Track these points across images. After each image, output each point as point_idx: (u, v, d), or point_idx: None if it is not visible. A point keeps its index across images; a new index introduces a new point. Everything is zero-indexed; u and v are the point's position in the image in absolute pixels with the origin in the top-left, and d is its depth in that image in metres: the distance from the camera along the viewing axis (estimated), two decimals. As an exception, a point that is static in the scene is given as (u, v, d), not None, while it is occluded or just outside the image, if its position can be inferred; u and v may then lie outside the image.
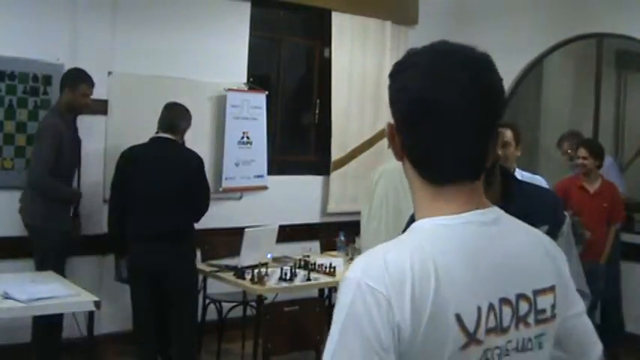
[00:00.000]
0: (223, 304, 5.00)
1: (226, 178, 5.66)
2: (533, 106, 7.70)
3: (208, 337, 5.02)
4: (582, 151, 5.14)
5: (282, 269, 4.50)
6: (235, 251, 4.60)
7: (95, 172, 4.91)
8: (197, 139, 5.04)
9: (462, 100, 1.09)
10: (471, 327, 1.04)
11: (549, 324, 1.16)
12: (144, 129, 4.46)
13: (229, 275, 4.56)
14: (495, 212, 1.16)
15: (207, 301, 5.02)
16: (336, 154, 6.20)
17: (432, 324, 1.02)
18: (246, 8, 5.79)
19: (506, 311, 1.09)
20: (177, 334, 4.31)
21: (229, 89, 5.64)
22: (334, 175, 6.25)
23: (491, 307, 1.07)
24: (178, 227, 4.21)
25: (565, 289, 1.20)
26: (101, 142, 5.06)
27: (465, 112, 1.09)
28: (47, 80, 4.88)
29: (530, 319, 1.13)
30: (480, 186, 1.16)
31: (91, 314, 3.68)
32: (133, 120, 5.04)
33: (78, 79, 4.50)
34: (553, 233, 2.06)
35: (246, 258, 4.52)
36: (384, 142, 6.49)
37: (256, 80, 5.91)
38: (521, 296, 1.12)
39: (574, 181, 5.16)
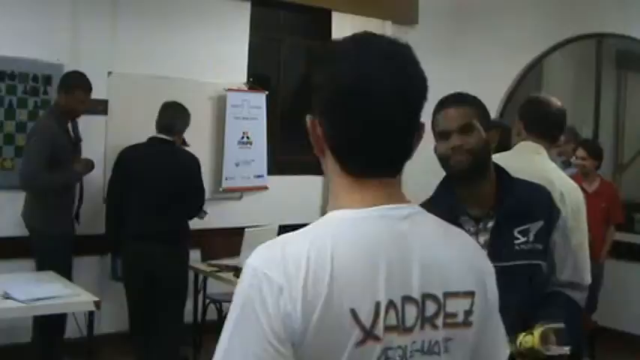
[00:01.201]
0: (223, 304, 5.00)
1: (226, 178, 5.67)
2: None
3: (208, 337, 5.01)
4: (581, 152, 5.14)
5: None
6: (235, 251, 4.60)
7: (95, 172, 4.90)
8: (197, 139, 5.04)
9: (390, 90, 1.07)
10: (367, 323, 1.01)
11: (461, 330, 1.11)
12: (144, 129, 4.46)
13: (229, 275, 4.56)
14: (410, 209, 1.12)
15: (207, 301, 5.02)
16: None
17: (324, 317, 0.99)
18: (246, 8, 5.80)
19: (410, 310, 1.06)
20: (161, 335, 4.27)
21: (229, 89, 5.64)
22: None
23: (391, 304, 1.04)
24: (172, 229, 4.20)
25: (485, 302, 1.15)
26: (101, 142, 5.07)
27: (393, 102, 1.08)
28: (47, 80, 4.88)
29: (438, 322, 1.08)
30: (399, 181, 1.14)
31: (91, 314, 3.68)
32: (133, 120, 5.04)
33: (74, 84, 4.42)
34: (548, 228, 2.09)
35: (246, 258, 4.47)
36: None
37: (256, 80, 5.91)
38: (428, 296, 1.07)
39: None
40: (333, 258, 1.02)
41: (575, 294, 2.18)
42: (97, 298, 3.64)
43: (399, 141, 1.12)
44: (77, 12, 4.97)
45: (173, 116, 4.37)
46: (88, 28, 4.98)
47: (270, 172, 5.95)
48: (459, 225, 2.04)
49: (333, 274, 1.01)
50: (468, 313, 1.11)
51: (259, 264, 1.04)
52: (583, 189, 5.02)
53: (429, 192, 2.21)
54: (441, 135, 2.06)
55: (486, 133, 2.04)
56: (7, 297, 3.45)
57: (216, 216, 5.43)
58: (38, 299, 3.47)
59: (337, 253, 1.02)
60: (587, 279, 2.28)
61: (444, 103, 2.08)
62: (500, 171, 2.14)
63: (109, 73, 5.05)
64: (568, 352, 1.94)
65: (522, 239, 2.05)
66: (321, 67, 1.12)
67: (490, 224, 2.06)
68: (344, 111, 1.09)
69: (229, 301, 3.81)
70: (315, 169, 7.18)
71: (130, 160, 4.29)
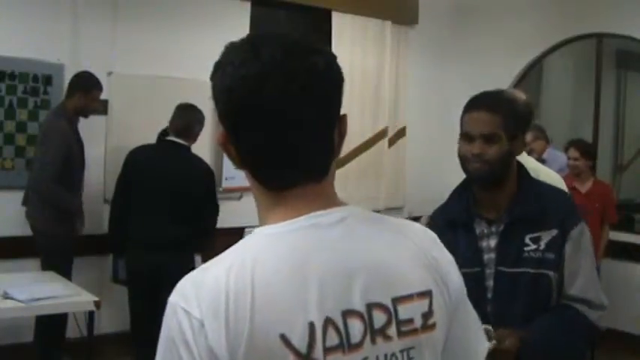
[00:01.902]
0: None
1: (226, 178, 5.67)
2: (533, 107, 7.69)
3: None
4: (574, 152, 5.14)
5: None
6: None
7: (95, 172, 4.91)
8: (197, 139, 5.04)
9: (290, 90, 0.96)
10: (301, 347, 0.91)
11: (422, 335, 1.00)
12: (144, 129, 4.46)
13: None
14: (344, 211, 1.02)
15: (207, 301, 5.02)
16: (336, 154, 6.20)
17: (251, 348, 0.90)
18: (246, 8, 5.79)
19: (354, 324, 0.95)
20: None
21: (229, 89, 5.63)
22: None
23: (329, 322, 0.93)
24: (177, 237, 4.08)
25: (448, 296, 1.05)
26: (101, 143, 5.07)
27: (296, 103, 0.96)
28: (47, 80, 4.88)
29: (391, 331, 0.98)
30: (329, 184, 1.04)
31: (91, 314, 3.68)
32: (133, 120, 5.04)
33: (91, 84, 4.48)
34: (563, 238, 1.99)
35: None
36: (384, 142, 6.50)
37: (256, 80, 5.91)
38: (374, 306, 0.97)
39: (566, 182, 5.16)
40: (254, 280, 0.92)
41: (589, 312, 2.00)
42: (97, 298, 3.64)
43: (313, 143, 1.00)
44: (77, 12, 4.97)
45: (192, 119, 4.24)
46: (88, 28, 4.98)
47: (270, 172, 5.95)
48: (473, 226, 2.05)
49: (254, 298, 0.91)
50: (427, 315, 1.01)
51: (177, 299, 0.95)
52: (576, 189, 5.05)
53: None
54: (464, 136, 2.01)
55: (512, 142, 1.98)
56: (7, 297, 3.45)
57: (216, 216, 5.44)
58: (38, 299, 3.47)
59: (258, 273, 0.93)
60: (603, 299, 2.06)
61: (475, 104, 2.02)
62: (523, 173, 2.08)
63: (109, 73, 5.05)
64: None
65: (532, 247, 1.98)
66: (215, 79, 1.03)
67: (501, 228, 2.02)
68: (244, 126, 0.99)
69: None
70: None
71: (139, 161, 4.19)
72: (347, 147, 6.28)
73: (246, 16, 5.81)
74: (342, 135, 1.04)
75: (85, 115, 4.55)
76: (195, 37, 5.47)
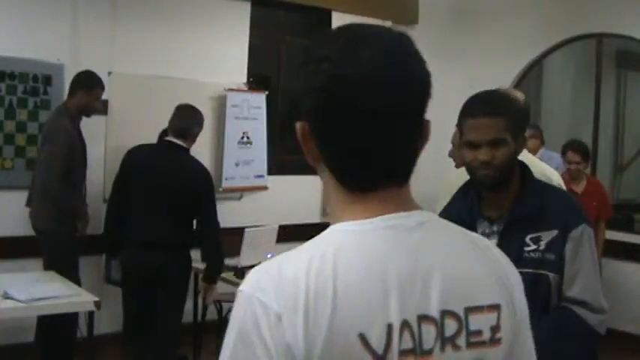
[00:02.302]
0: (223, 303, 4.99)
1: (226, 178, 5.67)
2: (533, 107, 7.68)
3: (208, 337, 5.02)
4: (575, 157, 5.13)
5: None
6: (235, 251, 4.60)
7: (95, 172, 4.91)
8: (197, 139, 5.04)
9: (389, 90, 0.95)
10: (379, 348, 0.89)
11: (489, 349, 0.98)
12: (144, 129, 4.47)
13: (229, 275, 4.56)
14: (423, 216, 1.00)
15: (208, 301, 5.02)
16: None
17: (329, 345, 0.88)
18: (246, 8, 5.80)
19: (428, 330, 0.93)
20: (158, 339, 4.20)
21: (229, 89, 5.64)
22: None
23: (405, 325, 0.92)
24: (175, 238, 4.03)
25: (513, 315, 1.03)
26: (101, 143, 5.07)
27: (393, 104, 0.95)
28: (47, 80, 4.88)
29: (460, 341, 0.95)
30: (408, 189, 1.02)
31: (91, 314, 3.68)
32: (133, 120, 5.04)
33: (93, 83, 4.47)
34: (563, 238, 1.97)
35: (246, 258, 4.52)
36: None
37: (256, 80, 5.92)
38: (447, 313, 0.95)
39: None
40: (336, 277, 0.90)
41: (588, 315, 1.97)
42: (97, 298, 3.64)
43: (402, 147, 0.99)
44: (77, 12, 4.97)
45: (191, 120, 4.21)
46: (88, 28, 4.98)
47: (270, 172, 5.95)
48: (475, 226, 2.04)
49: (336, 295, 0.89)
50: (495, 329, 0.99)
51: (253, 289, 0.92)
52: (573, 191, 5.05)
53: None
54: (469, 145, 1.98)
55: (516, 142, 1.98)
56: (7, 297, 3.45)
57: (216, 216, 5.44)
58: (38, 299, 3.47)
59: (340, 270, 0.91)
60: (603, 303, 2.02)
61: (474, 110, 1.99)
62: (526, 173, 2.07)
63: (109, 73, 5.05)
64: None
65: (532, 247, 1.97)
66: (306, 71, 0.99)
67: (501, 227, 2.02)
68: (332, 121, 0.96)
69: (229, 301, 3.83)
70: (315, 170, 7.22)
71: (136, 161, 4.16)
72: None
73: (246, 16, 5.81)
74: (424, 140, 1.02)
75: (88, 114, 4.54)
76: (195, 37, 5.48)
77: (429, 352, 0.93)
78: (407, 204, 1.00)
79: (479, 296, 0.98)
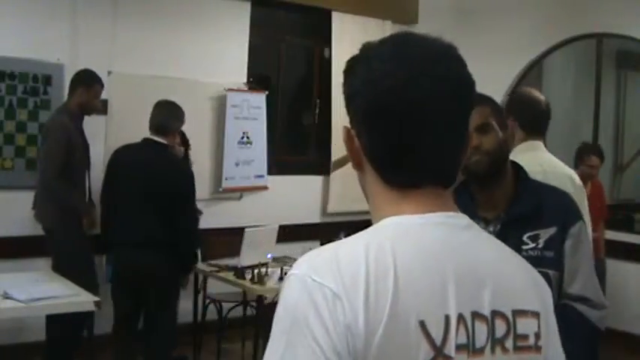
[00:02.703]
0: (223, 304, 4.99)
1: (226, 178, 5.67)
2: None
3: (208, 337, 5.02)
4: (596, 160, 5.12)
5: (282, 269, 4.50)
6: (235, 251, 4.60)
7: (95, 172, 4.90)
8: (197, 139, 5.05)
9: (435, 94, 0.96)
10: (437, 338, 0.88)
11: (532, 355, 0.97)
12: (144, 129, 4.44)
13: (229, 275, 4.56)
14: (467, 218, 1.01)
15: (207, 301, 5.02)
16: (336, 154, 6.21)
17: (390, 330, 0.85)
18: (246, 8, 5.80)
19: (480, 328, 0.92)
20: (154, 339, 4.18)
21: (229, 89, 5.64)
22: (334, 175, 6.25)
23: (461, 318, 0.90)
24: (161, 239, 3.97)
25: (548, 326, 1.02)
26: (101, 143, 5.06)
27: (439, 107, 0.96)
28: (47, 80, 4.88)
29: (509, 344, 0.94)
30: (450, 193, 1.03)
31: (91, 314, 3.67)
32: (132, 120, 5.02)
33: (92, 79, 4.48)
34: (562, 235, 1.98)
35: (246, 258, 4.52)
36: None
37: (256, 80, 5.91)
38: (497, 314, 0.94)
39: None
40: (396, 263, 0.88)
41: (589, 311, 1.98)
42: (97, 298, 3.63)
43: (450, 150, 1.00)
44: (77, 12, 4.97)
45: (166, 116, 4.17)
46: (88, 28, 4.98)
47: (270, 172, 5.95)
48: None
49: (397, 280, 0.87)
50: (538, 336, 0.98)
51: (308, 271, 0.88)
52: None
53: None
54: None
55: (503, 132, 2.00)
56: (7, 297, 3.44)
57: (215, 216, 5.43)
58: (38, 299, 3.46)
59: (399, 257, 0.89)
60: (603, 299, 2.04)
61: None
62: (519, 172, 2.07)
63: (109, 73, 5.04)
64: None
65: (531, 245, 1.96)
66: (355, 71, 1.00)
67: (498, 228, 2.00)
68: (383, 120, 0.97)
69: (229, 301, 3.85)
70: (315, 169, 7.20)
71: (118, 161, 4.18)
72: (347, 147, 6.28)
73: (246, 16, 5.81)
74: (467, 149, 1.03)
75: (88, 112, 4.54)
76: (195, 37, 5.47)
77: (481, 350, 0.92)
78: (451, 205, 1.01)
79: (524, 301, 0.98)
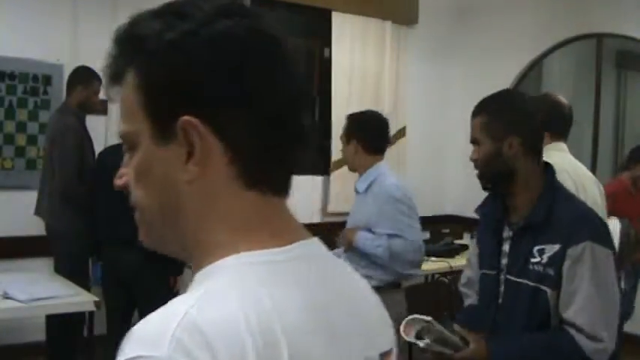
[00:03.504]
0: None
1: (226, 178, 5.67)
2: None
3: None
4: None
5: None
6: (235, 251, 4.58)
7: (95, 172, 4.91)
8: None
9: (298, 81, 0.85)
10: None
11: None
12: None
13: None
14: (321, 243, 0.84)
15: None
16: (336, 154, 6.20)
17: None
18: (246, 8, 5.80)
19: None
20: None
21: (229, 89, 5.63)
22: (334, 175, 6.25)
23: None
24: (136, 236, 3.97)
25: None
26: (101, 143, 5.05)
27: (295, 99, 0.83)
28: (47, 80, 4.88)
29: None
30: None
31: (91, 314, 3.67)
32: (132, 120, 5.03)
33: (91, 76, 4.41)
34: (561, 255, 1.88)
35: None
36: (384, 142, 6.50)
37: (256, 80, 5.91)
38: None
39: (624, 184, 5.02)
40: (283, 323, 0.70)
41: (583, 340, 1.84)
42: (97, 298, 3.63)
43: (300, 145, 0.84)
44: (77, 12, 4.97)
45: None
46: (88, 28, 4.98)
47: (270, 172, 5.95)
48: (500, 228, 2.04)
49: (290, 347, 0.69)
50: None
51: (168, 354, 0.63)
52: (631, 193, 4.98)
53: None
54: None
55: (498, 143, 1.96)
56: (7, 297, 3.44)
57: (216, 216, 5.43)
58: (38, 299, 3.46)
59: (284, 315, 0.70)
60: (604, 333, 1.85)
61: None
62: (548, 180, 2.00)
63: (109, 73, 5.04)
64: (420, 345, 1.87)
65: (537, 259, 1.90)
66: (192, 47, 0.75)
67: (512, 233, 2.01)
68: (231, 106, 0.76)
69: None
70: (315, 169, 7.19)
71: (103, 162, 4.18)
72: (347, 147, 6.28)
73: (246, 16, 5.81)
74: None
75: (88, 111, 4.51)
76: (195, 37, 5.47)
77: None
78: (298, 223, 0.84)
79: (384, 338, 0.87)
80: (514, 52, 6.39)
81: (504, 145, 1.97)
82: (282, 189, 0.82)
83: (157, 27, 0.77)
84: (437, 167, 7.05)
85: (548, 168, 2.03)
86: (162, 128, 0.76)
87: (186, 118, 0.74)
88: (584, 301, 1.85)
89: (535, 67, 6.67)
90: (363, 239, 3.39)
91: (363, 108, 6.52)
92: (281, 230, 0.79)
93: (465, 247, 5.15)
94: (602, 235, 1.91)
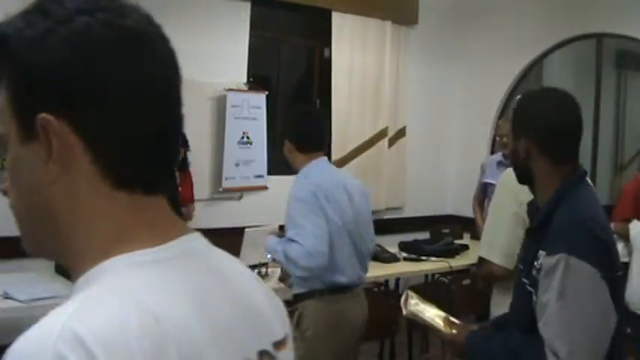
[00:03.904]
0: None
1: (226, 178, 5.67)
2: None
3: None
4: None
5: (282, 269, 4.50)
6: (235, 251, 4.60)
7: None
8: (197, 139, 5.04)
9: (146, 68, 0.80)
10: None
11: None
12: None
13: (229, 275, 4.55)
14: (204, 237, 0.84)
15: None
16: (336, 154, 6.21)
17: None
18: (246, 8, 5.80)
19: None
20: None
21: (229, 89, 5.64)
22: (334, 175, 6.25)
23: None
24: None
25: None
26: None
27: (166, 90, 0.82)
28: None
29: None
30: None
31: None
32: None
33: None
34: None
35: (246, 258, 4.51)
36: (385, 142, 6.50)
37: (256, 80, 5.92)
38: (264, 354, 0.81)
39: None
40: (168, 332, 0.68)
41: (549, 355, 1.76)
42: (97, 298, 3.63)
43: (175, 141, 0.82)
44: None
45: None
46: None
47: (270, 172, 5.95)
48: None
49: (177, 342, 0.68)
50: None
51: None
52: None
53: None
54: None
55: (517, 140, 2.01)
56: (7, 297, 3.45)
57: (215, 216, 5.44)
58: (38, 299, 3.46)
59: (168, 323, 0.68)
60: (555, 344, 1.75)
61: None
62: (563, 184, 1.94)
63: (109, 73, 5.04)
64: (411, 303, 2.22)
65: (537, 262, 1.86)
66: (54, 51, 0.73)
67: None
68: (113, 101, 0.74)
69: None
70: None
71: None
72: (347, 147, 6.29)
73: (246, 16, 5.81)
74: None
75: None
76: (195, 37, 5.47)
77: None
78: (178, 218, 0.82)
79: (276, 328, 0.86)
80: (514, 51, 6.40)
81: (519, 144, 2.00)
82: (156, 188, 0.79)
83: (19, 25, 0.76)
84: (437, 167, 7.05)
85: (577, 170, 1.96)
86: (25, 127, 0.74)
87: (42, 115, 0.72)
88: (549, 314, 1.78)
89: (535, 67, 6.67)
90: (270, 244, 3.27)
91: (363, 108, 6.58)
92: (160, 228, 0.77)
93: (465, 247, 5.15)
94: (583, 249, 1.76)
